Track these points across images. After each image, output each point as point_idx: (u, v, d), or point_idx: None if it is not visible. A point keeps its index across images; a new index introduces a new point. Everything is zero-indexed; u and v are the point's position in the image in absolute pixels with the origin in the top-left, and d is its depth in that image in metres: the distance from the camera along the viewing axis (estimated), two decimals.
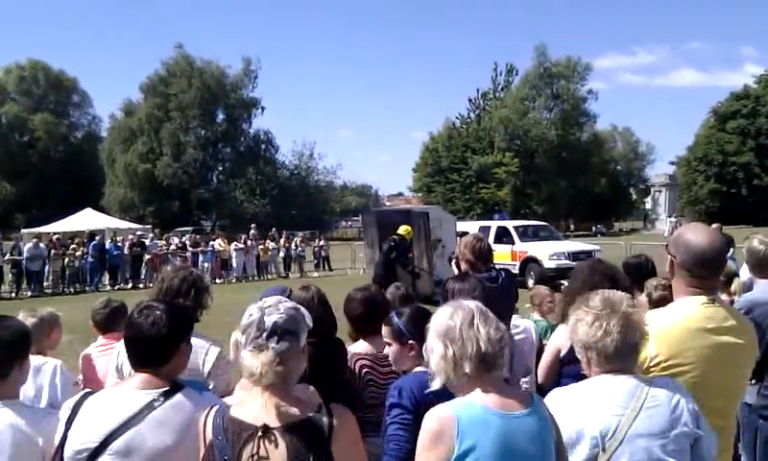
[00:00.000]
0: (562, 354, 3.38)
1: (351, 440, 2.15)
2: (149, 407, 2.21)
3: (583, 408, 2.23)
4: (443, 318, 2.19)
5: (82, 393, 2.35)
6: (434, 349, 2.17)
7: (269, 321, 2.08)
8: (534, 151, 61.53)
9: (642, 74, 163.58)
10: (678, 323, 2.52)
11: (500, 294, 4.46)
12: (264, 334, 2.06)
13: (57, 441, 2.24)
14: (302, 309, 2.20)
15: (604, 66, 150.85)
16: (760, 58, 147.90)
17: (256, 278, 24.74)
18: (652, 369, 2.48)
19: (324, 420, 2.08)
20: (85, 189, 57.42)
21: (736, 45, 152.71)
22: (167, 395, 2.26)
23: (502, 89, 66.35)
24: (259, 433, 2.00)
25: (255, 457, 1.98)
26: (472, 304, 2.21)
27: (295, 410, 2.06)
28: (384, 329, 3.07)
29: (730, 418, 2.66)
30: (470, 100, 66.66)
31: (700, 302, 2.53)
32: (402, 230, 14.68)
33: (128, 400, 2.23)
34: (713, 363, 2.48)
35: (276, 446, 2.00)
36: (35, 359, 3.62)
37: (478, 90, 66.84)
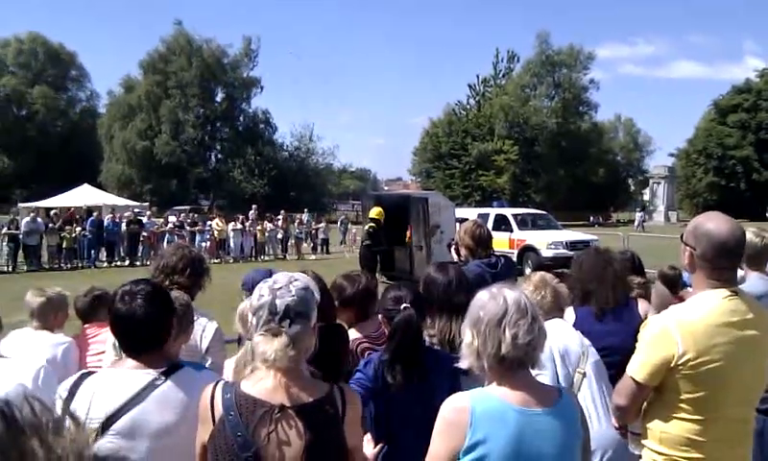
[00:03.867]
0: None
1: (358, 420, 2.19)
2: (151, 386, 2.19)
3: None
4: (477, 305, 2.15)
5: (79, 373, 2.31)
6: (464, 333, 2.16)
7: (281, 304, 2.05)
8: (534, 139, 61.34)
9: (643, 65, 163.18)
10: (703, 319, 2.45)
11: (498, 280, 4.47)
12: (276, 317, 2.04)
13: None
14: (312, 287, 2.18)
15: (604, 56, 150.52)
16: (762, 52, 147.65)
17: (253, 258, 24.71)
18: (680, 367, 2.43)
19: (338, 401, 2.11)
20: (83, 165, 57.12)
21: (738, 38, 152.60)
22: (167, 374, 2.25)
23: (503, 76, 65.97)
24: (276, 412, 2.00)
25: (274, 436, 1.98)
26: (511, 298, 2.10)
27: (309, 391, 2.07)
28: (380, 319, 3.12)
29: (752, 410, 2.62)
30: (470, 86, 66.36)
31: (722, 295, 2.46)
32: (373, 212, 14.93)
33: (129, 380, 2.21)
34: (738, 357, 2.43)
35: (293, 425, 2.00)
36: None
37: (478, 77, 66.57)
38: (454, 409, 2.06)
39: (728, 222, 2.53)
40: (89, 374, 2.30)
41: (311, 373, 2.22)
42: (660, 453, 2.55)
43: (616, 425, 2.89)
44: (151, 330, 2.27)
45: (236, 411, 2.00)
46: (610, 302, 3.75)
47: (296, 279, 2.15)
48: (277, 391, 2.03)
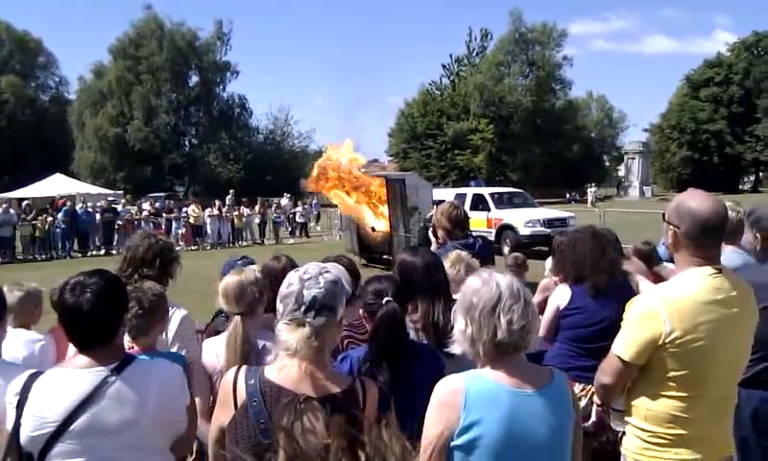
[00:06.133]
0: (560, 309, 3.85)
1: (375, 412, 2.17)
2: (104, 384, 2.12)
3: None
4: (469, 291, 2.13)
5: (27, 374, 2.20)
6: (456, 320, 2.14)
7: (308, 295, 2.06)
8: (509, 117, 61.48)
9: (614, 40, 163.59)
10: (689, 297, 2.46)
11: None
12: (302, 308, 2.05)
13: (9, 426, 2.12)
14: (343, 280, 2.18)
15: (576, 32, 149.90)
16: (733, 25, 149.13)
17: (231, 244, 24.55)
18: (667, 345, 2.44)
19: (360, 393, 2.12)
20: (55, 154, 56.14)
21: (709, 12, 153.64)
22: (119, 369, 2.16)
23: (477, 55, 66.03)
24: (300, 402, 1.99)
25: (298, 425, 1.97)
26: (504, 284, 2.09)
27: (333, 383, 2.08)
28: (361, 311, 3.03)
29: (735, 386, 2.65)
30: (444, 66, 66.34)
31: (707, 273, 2.48)
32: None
33: (81, 380, 2.12)
34: (723, 334, 2.46)
35: (318, 416, 1.99)
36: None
37: (451, 56, 66.55)
38: (448, 391, 2.06)
39: (710, 199, 2.54)
40: (38, 374, 2.20)
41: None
42: (644, 430, 2.58)
43: (599, 403, 2.90)
44: (98, 325, 2.17)
45: (260, 398, 2.01)
46: (605, 287, 3.77)
47: (326, 271, 2.15)
48: (303, 381, 2.04)
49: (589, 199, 45.56)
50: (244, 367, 2.15)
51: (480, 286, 2.10)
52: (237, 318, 3.05)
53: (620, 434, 2.86)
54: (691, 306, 2.45)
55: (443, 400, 2.06)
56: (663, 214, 2.65)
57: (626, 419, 2.71)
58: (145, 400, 2.16)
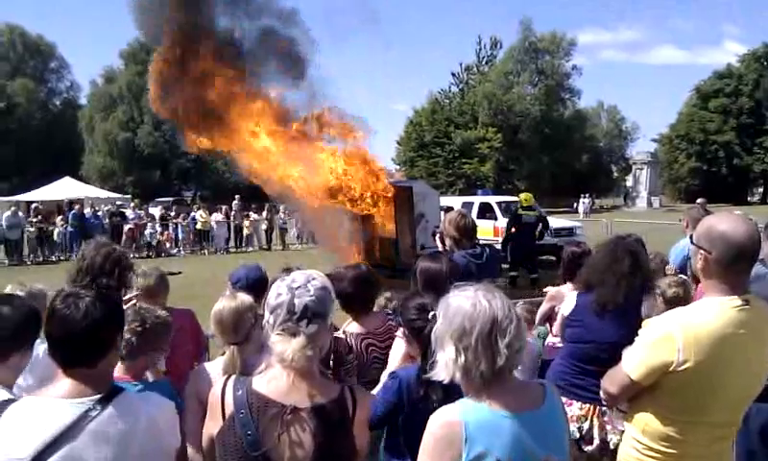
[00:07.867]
0: (564, 317, 3.90)
1: (366, 421, 2.16)
2: (85, 418, 1.90)
3: None
4: (458, 315, 1.95)
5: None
6: (444, 348, 1.97)
7: (299, 303, 2.04)
8: (517, 126, 61.31)
9: (623, 50, 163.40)
10: (707, 328, 2.35)
11: (484, 270, 4.46)
12: (294, 317, 2.03)
13: None
14: (329, 287, 2.15)
15: (585, 41, 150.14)
16: (742, 35, 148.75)
17: (236, 249, 24.56)
18: (677, 373, 2.37)
19: (349, 402, 2.09)
20: (64, 157, 56.43)
21: (718, 22, 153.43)
22: (104, 402, 1.95)
23: (486, 63, 65.94)
24: (288, 413, 1.98)
25: (285, 437, 1.96)
26: (497, 307, 1.93)
27: (321, 392, 2.06)
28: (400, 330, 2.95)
29: (741, 414, 2.59)
30: (454, 74, 66.30)
31: (732, 305, 2.35)
32: (526, 199, 15.78)
33: (59, 411, 1.90)
34: (739, 371, 2.38)
35: (305, 427, 1.98)
36: None
37: (461, 64, 66.49)
38: (446, 424, 1.92)
39: (742, 222, 2.41)
40: (10, 402, 1.99)
41: (321, 372, 2.17)
42: (640, 442, 2.57)
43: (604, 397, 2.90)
44: (89, 340, 1.96)
45: (247, 409, 1.99)
46: (609, 303, 3.58)
47: (314, 279, 2.13)
48: (290, 391, 2.01)
49: (581, 209, 45.20)
50: (232, 377, 2.12)
51: (471, 310, 1.94)
52: (234, 348, 2.92)
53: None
54: (709, 339, 2.35)
55: (440, 435, 1.91)
56: (691, 236, 2.52)
57: (626, 425, 2.70)
58: (129, 439, 1.95)
